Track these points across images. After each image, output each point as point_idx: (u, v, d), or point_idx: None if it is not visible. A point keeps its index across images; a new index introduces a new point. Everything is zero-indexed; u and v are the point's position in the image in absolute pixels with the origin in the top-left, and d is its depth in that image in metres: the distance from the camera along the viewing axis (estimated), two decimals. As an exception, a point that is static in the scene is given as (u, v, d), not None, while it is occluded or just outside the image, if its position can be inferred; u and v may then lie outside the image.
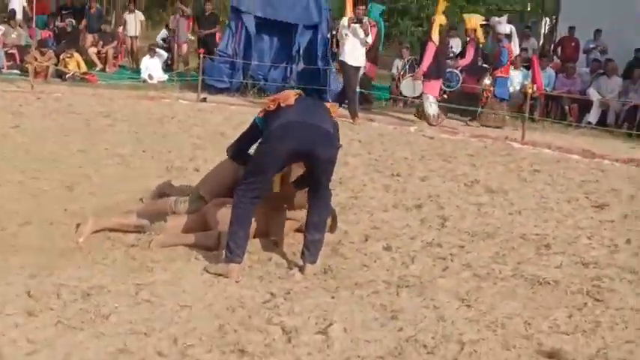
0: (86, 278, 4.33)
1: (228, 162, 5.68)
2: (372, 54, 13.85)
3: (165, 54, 17.32)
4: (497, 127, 12.69)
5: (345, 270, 4.83)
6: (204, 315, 3.94)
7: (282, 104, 4.70)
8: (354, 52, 11.77)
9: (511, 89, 15.17)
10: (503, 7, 32.01)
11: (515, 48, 14.79)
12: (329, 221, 5.57)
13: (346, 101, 12.13)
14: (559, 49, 19.05)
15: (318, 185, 4.75)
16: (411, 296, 4.40)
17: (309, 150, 4.57)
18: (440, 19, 12.94)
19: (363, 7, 12.03)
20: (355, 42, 11.75)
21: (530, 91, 11.99)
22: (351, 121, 11.62)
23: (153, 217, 5.29)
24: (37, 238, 5.04)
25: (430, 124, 12.07)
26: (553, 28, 29.31)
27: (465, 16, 14.96)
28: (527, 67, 16.13)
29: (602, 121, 14.21)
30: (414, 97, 13.39)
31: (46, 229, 5.22)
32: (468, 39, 14.20)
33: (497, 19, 15.17)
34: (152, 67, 16.67)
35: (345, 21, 11.97)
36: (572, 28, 18.95)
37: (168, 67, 17.69)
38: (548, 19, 30.17)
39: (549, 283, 4.76)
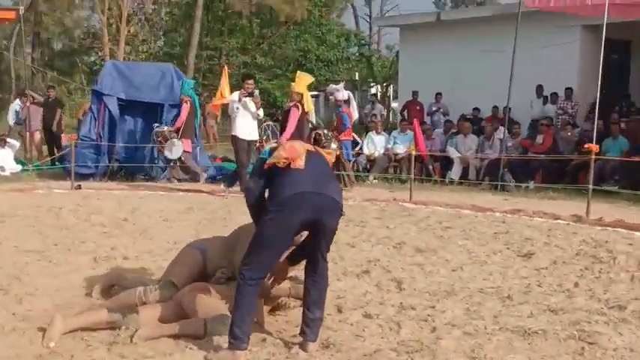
0: None
1: (192, 249, 5.51)
2: (188, 130, 14.04)
3: (17, 144, 16.50)
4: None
5: (343, 342, 4.75)
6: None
7: (292, 166, 4.52)
8: (245, 126, 11.73)
9: (376, 153, 15.75)
10: (331, 77, 33.28)
11: (354, 112, 15.38)
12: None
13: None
14: (405, 113, 19.93)
15: (318, 258, 4.64)
16: (428, 361, 4.41)
17: (318, 219, 4.44)
18: (305, 91, 13.32)
19: (252, 82, 12.06)
20: (246, 115, 11.73)
21: (413, 153, 12.45)
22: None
23: (122, 311, 4.99)
24: (3, 348, 4.60)
25: None
26: (384, 94, 30.93)
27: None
28: (387, 131, 16.87)
29: (463, 177, 14.99)
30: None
31: (8, 337, 4.78)
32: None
33: (334, 86, 15.78)
34: (3, 158, 15.82)
35: (235, 95, 11.94)
36: (415, 93, 19.96)
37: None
38: (379, 86, 31.72)
39: (537, 333, 4.91)
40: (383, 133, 16.29)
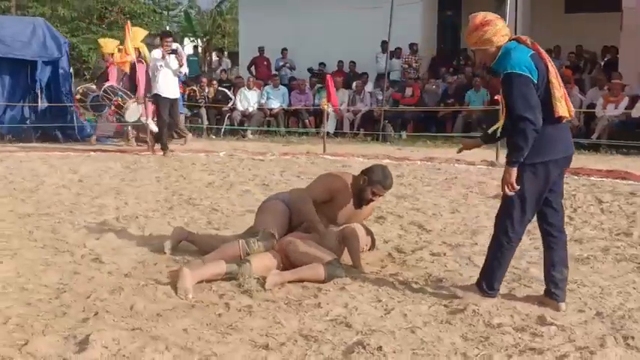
0: (274, 326, 4.29)
1: (277, 201, 5.78)
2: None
3: None
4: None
5: (458, 278, 5.33)
6: (438, 335, 4.25)
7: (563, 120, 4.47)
8: (168, 84, 11.66)
9: (250, 109, 16.13)
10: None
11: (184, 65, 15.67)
12: (369, 241, 6.00)
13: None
14: (252, 69, 20.30)
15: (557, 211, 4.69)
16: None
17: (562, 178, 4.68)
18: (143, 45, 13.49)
19: (170, 39, 11.92)
20: (168, 73, 11.65)
21: (325, 107, 12.98)
22: (161, 154, 11.62)
23: (236, 262, 5.23)
24: (146, 301, 4.71)
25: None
26: (206, 49, 30.89)
27: (100, 41, 15.61)
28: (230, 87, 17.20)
29: (338, 129, 15.82)
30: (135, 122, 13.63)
31: (144, 292, 4.86)
32: (107, 62, 14.73)
33: (163, 39, 15.90)
34: None
35: (157, 53, 11.79)
36: (261, 48, 20.34)
37: None
38: (199, 40, 31.59)
39: (589, 259, 5.73)
40: (255, 88, 16.67)
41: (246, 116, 16.09)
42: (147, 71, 12.91)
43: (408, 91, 15.83)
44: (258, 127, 15.89)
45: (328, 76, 14.49)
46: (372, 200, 5.63)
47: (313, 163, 10.93)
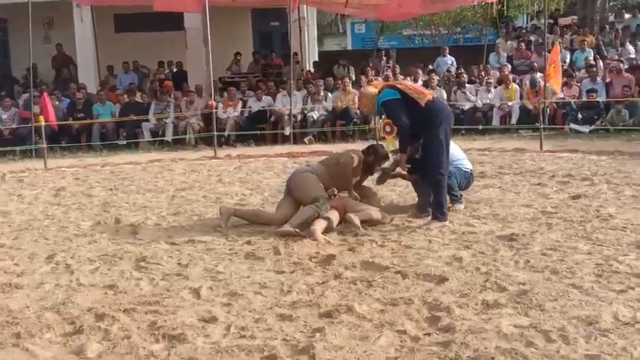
0: (432, 245, 6.14)
1: (307, 173, 7.30)
2: None
3: None
4: None
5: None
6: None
7: (429, 98, 6.76)
8: None
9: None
10: None
11: None
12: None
13: None
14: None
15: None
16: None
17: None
18: None
19: None
20: None
21: (43, 123, 12.91)
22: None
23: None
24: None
25: None
26: None
27: None
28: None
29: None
30: None
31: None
32: None
33: None
34: None
35: None
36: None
37: None
38: None
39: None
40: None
41: None
42: None
43: (36, 108, 16.06)
44: None
45: (45, 94, 14.06)
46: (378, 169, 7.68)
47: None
